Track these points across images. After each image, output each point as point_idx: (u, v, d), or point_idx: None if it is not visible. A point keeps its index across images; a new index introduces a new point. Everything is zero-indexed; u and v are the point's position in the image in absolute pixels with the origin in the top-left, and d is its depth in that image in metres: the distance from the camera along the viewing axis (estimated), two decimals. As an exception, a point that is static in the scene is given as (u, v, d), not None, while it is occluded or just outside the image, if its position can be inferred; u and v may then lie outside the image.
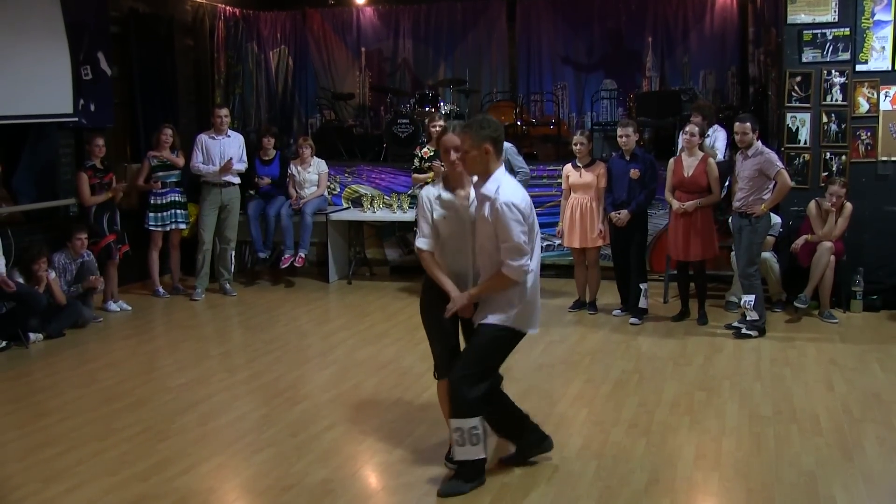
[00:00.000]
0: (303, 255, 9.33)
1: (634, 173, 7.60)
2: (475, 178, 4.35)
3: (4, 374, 6.49)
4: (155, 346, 7.39)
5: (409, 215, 9.26)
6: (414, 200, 9.05)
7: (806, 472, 4.54)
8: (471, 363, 4.33)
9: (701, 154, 7.57)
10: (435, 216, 4.43)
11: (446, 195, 4.42)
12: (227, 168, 8.86)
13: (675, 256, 7.79)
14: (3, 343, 7.06)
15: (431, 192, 4.47)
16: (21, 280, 7.27)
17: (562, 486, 4.42)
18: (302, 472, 4.61)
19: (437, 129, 8.44)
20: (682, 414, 5.43)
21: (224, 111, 9.16)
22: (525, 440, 4.66)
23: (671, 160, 7.72)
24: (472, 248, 4.40)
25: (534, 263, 4.30)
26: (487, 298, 4.33)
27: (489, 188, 4.19)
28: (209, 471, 4.69)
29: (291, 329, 7.84)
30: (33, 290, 7.25)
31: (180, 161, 8.87)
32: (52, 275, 7.48)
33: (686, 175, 7.51)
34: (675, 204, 7.54)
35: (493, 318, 4.30)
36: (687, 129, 7.59)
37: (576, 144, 7.92)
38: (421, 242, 4.48)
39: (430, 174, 8.25)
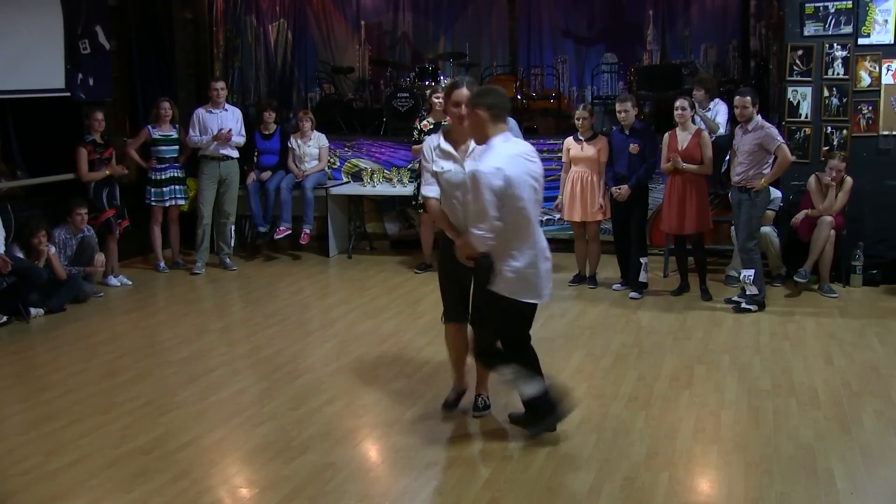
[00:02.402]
0: (308, 232, 9.31)
1: (634, 148, 7.58)
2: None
3: (6, 349, 6.51)
4: (156, 321, 7.40)
5: (408, 189, 9.21)
6: (414, 174, 9.04)
7: (804, 445, 4.57)
8: (484, 321, 4.60)
9: (694, 128, 7.56)
10: (435, 168, 4.45)
11: (446, 146, 4.45)
12: (225, 138, 8.78)
13: (669, 230, 7.80)
14: (4, 318, 7.07)
15: (433, 142, 4.52)
16: (21, 255, 7.27)
17: (561, 459, 4.44)
18: (303, 445, 4.63)
19: (438, 101, 8.46)
20: (682, 387, 5.45)
21: (220, 84, 9.04)
22: (541, 410, 4.63)
23: (666, 134, 7.70)
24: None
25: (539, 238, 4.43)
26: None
27: (479, 153, 4.32)
28: (210, 444, 4.72)
29: (292, 303, 7.85)
30: (33, 264, 7.25)
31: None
32: (52, 249, 7.47)
33: (680, 149, 7.50)
34: (667, 166, 7.56)
35: (492, 285, 4.44)
36: (677, 103, 7.56)
37: (578, 118, 7.89)
38: (428, 190, 4.52)
39: None
